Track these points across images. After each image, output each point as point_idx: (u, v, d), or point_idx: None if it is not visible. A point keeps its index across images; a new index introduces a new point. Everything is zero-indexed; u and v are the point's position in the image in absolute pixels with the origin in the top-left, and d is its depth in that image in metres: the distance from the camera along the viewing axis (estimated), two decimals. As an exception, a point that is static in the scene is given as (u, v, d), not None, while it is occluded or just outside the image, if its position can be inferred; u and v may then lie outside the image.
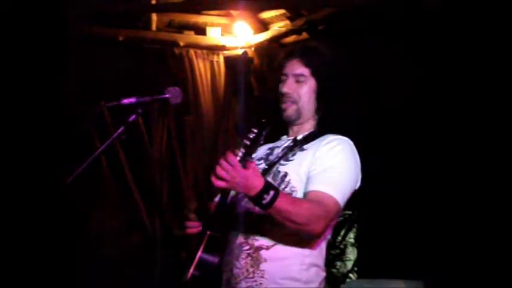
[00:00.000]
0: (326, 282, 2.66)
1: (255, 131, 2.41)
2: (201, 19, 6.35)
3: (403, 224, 5.13)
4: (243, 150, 2.38)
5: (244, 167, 2.36)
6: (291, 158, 2.61)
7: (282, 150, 2.67)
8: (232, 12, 6.27)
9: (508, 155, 4.34)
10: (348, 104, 2.74)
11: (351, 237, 6.37)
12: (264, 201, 2.37)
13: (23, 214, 5.75)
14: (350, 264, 6.34)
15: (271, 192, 2.37)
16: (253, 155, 2.69)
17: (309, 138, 2.66)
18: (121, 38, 6.09)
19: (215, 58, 6.37)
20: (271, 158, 2.67)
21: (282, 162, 2.61)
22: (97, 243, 6.50)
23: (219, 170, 2.36)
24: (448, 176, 4.73)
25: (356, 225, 6.31)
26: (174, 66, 6.29)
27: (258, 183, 2.37)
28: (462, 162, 4.63)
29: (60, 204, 5.62)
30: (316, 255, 2.61)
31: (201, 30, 6.37)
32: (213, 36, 6.33)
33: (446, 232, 4.74)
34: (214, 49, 6.35)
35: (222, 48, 6.35)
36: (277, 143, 2.74)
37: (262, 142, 2.47)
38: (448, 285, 4.57)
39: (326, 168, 2.54)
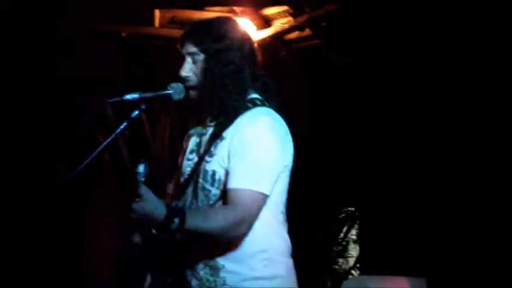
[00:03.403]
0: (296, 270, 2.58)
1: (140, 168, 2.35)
2: (203, 15, 6.33)
3: (406, 221, 5.13)
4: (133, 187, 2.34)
5: (138, 201, 2.31)
6: (214, 152, 2.50)
7: (207, 141, 2.55)
8: (235, 8, 6.26)
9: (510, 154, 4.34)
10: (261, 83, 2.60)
11: (353, 234, 6.37)
12: (172, 228, 2.32)
13: (23, 211, 5.73)
14: (352, 261, 6.35)
15: (176, 220, 2.31)
16: (186, 145, 2.66)
17: (227, 122, 2.51)
18: (123, 34, 6.09)
19: (217, 54, 6.36)
20: (200, 150, 2.58)
21: (207, 158, 2.51)
22: (97, 239, 6.50)
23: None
24: (452, 173, 4.73)
25: (358, 222, 6.31)
26: (177, 62, 6.28)
27: (159, 211, 2.32)
28: (466, 160, 4.63)
29: (62, 200, 5.64)
30: (275, 243, 2.52)
31: (203, 27, 6.35)
32: (216, 32, 6.32)
33: (448, 229, 4.73)
34: (217, 45, 6.34)
35: (225, 44, 6.33)
36: (204, 130, 2.62)
37: (143, 178, 2.37)
38: (450, 282, 4.57)
39: (240, 158, 2.42)
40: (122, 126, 2.48)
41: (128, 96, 2.50)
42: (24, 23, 5.45)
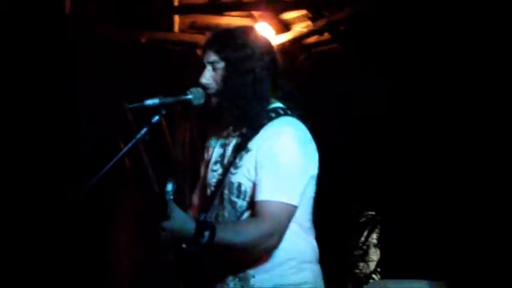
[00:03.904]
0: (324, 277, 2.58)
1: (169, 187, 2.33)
2: (222, 20, 6.36)
3: (426, 225, 5.11)
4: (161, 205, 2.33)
5: (168, 219, 2.30)
6: (239, 164, 2.50)
7: (232, 152, 2.55)
8: (254, 13, 6.28)
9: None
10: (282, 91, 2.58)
11: (373, 238, 6.35)
12: (202, 242, 2.32)
13: (45, 217, 5.76)
14: (372, 265, 6.33)
15: (206, 234, 2.31)
16: (209, 156, 2.66)
17: (251, 132, 2.51)
18: (143, 40, 6.13)
19: (237, 59, 6.37)
20: (225, 161, 2.58)
21: (232, 170, 2.51)
22: (119, 243, 6.53)
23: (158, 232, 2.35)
24: (473, 176, 4.71)
25: (378, 226, 6.30)
26: (196, 67, 6.30)
27: (189, 227, 2.32)
28: (488, 164, 4.61)
29: (84, 205, 5.68)
30: (303, 250, 2.53)
31: (223, 32, 6.37)
32: (235, 37, 6.33)
33: (469, 232, 4.71)
34: (236, 50, 6.35)
35: (244, 49, 6.34)
36: (227, 139, 2.61)
37: (171, 196, 2.35)
38: (472, 285, 4.55)
39: (268, 171, 2.43)
40: (142, 132, 2.48)
41: (149, 102, 2.50)
42: (27, 23, 5.46)
